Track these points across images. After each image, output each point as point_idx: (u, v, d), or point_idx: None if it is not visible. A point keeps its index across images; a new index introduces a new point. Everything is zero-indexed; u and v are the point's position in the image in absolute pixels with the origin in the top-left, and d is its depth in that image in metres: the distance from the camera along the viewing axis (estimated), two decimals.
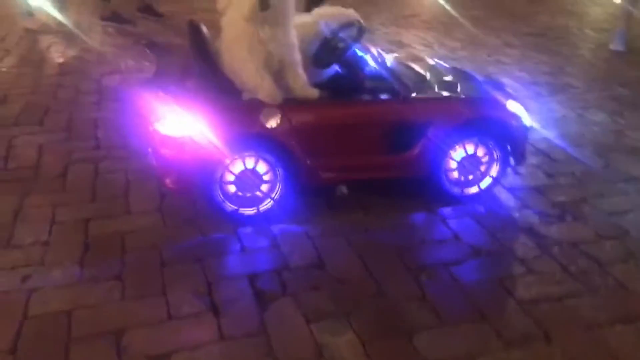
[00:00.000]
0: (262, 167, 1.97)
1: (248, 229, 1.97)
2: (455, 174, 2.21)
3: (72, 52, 3.98)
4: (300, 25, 2.04)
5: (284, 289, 1.69)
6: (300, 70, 1.96)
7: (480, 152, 2.21)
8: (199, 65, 1.97)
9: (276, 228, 1.99)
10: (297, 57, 1.95)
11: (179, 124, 1.84)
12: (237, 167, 1.95)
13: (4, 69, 3.61)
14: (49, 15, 4.59)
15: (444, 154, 2.14)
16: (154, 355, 1.42)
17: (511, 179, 2.41)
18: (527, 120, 2.26)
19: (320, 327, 1.54)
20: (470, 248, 1.95)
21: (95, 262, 1.76)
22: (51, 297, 1.61)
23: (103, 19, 4.83)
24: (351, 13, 2.14)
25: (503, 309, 1.67)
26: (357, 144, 2.05)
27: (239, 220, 2.00)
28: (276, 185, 2.00)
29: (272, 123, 1.89)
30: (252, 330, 1.52)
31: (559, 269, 1.86)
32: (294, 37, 1.94)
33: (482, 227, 2.08)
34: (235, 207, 1.99)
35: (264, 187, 2.00)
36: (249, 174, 1.96)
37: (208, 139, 1.83)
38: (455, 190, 2.23)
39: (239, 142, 1.89)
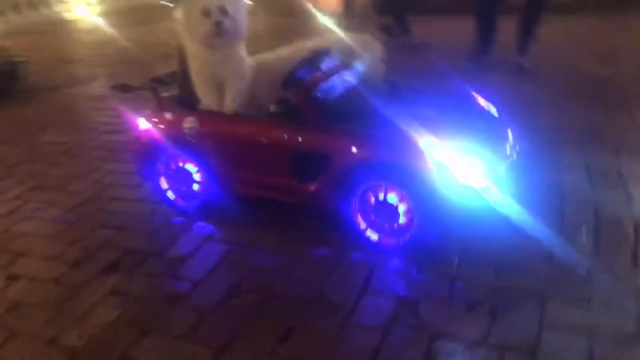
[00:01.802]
0: (192, 167, 2.30)
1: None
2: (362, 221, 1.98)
3: None
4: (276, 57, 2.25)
5: None
6: (233, 90, 2.15)
7: (395, 201, 1.91)
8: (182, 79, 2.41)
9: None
10: (237, 78, 2.14)
11: (142, 123, 2.36)
12: (169, 165, 2.32)
13: None
14: None
15: (350, 194, 1.97)
16: None
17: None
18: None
19: None
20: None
21: None
22: None
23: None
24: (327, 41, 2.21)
25: None
26: (262, 162, 2.11)
27: (178, 209, 2.37)
28: (205, 185, 2.29)
29: (188, 128, 2.19)
30: None
31: None
32: (239, 61, 2.14)
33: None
34: (175, 197, 2.38)
35: (195, 186, 2.32)
36: (183, 171, 2.32)
37: (153, 137, 2.30)
38: (372, 236, 2.00)
39: (172, 142, 2.26)
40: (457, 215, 1.83)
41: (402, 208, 1.90)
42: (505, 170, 1.94)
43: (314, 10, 6.58)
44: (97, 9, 10.51)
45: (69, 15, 10.13)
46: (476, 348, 1.50)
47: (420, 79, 2.43)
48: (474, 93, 2.31)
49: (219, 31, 1.98)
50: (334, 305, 1.71)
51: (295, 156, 2.01)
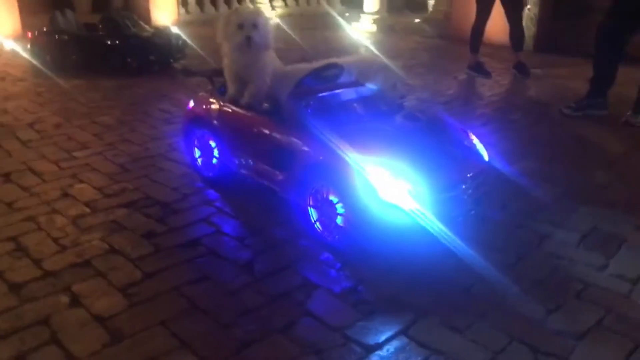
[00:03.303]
0: (212, 142, 2.79)
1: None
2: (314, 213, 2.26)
3: None
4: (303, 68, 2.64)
5: None
6: (253, 88, 2.55)
7: (336, 201, 2.16)
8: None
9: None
10: (258, 80, 2.53)
11: (191, 102, 2.92)
12: (202, 139, 2.85)
13: None
14: None
15: (305, 188, 2.26)
16: None
17: None
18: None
19: None
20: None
21: None
22: None
23: (469, 67, 5.62)
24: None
25: None
26: (252, 148, 2.51)
27: (199, 170, 2.88)
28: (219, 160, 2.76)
29: (213, 112, 2.69)
30: None
31: None
32: (260, 67, 2.51)
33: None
34: (202, 165, 2.89)
35: (214, 160, 2.81)
36: (206, 144, 2.83)
37: (194, 114, 2.85)
38: (319, 228, 2.27)
39: (203, 121, 2.79)
40: (379, 229, 2.01)
41: (340, 210, 2.13)
42: (447, 199, 2.05)
43: None
44: (279, 11, 11.79)
45: None
46: (333, 333, 1.71)
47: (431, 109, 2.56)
48: (468, 132, 2.41)
49: (250, 43, 2.41)
50: (256, 272, 2.03)
51: (273, 148, 2.36)
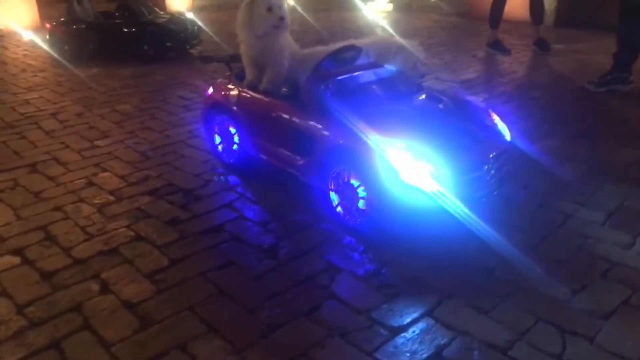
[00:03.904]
0: (233, 129, 2.80)
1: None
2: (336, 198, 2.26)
3: None
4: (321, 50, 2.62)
5: None
6: (270, 73, 2.54)
7: (357, 185, 2.16)
8: None
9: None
10: (276, 63, 2.54)
11: (210, 89, 2.93)
12: (222, 125, 2.86)
13: None
14: None
15: (326, 172, 2.27)
16: None
17: None
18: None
19: None
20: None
21: None
22: None
23: (488, 44, 5.52)
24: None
25: None
26: (273, 133, 2.50)
27: (222, 161, 2.91)
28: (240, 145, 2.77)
29: (232, 98, 2.69)
30: None
31: None
32: (277, 49, 2.51)
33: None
34: (223, 151, 2.91)
35: (235, 146, 2.82)
36: (226, 130, 2.84)
37: (213, 101, 2.86)
38: (340, 212, 2.28)
39: (222, 107, 2.79)
40: (401, 212, 2.01)
41: (362, 193, 2.14)
42: (470, 181, 2.04)
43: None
44: None
45: None
46: (358, 315, 1.73)
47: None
48: (490, 112, 2.38)
49: (282, 24, 2.41)
50: (280, 256, 2.05)
51: (293, 133, 2.36)
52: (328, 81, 2.29)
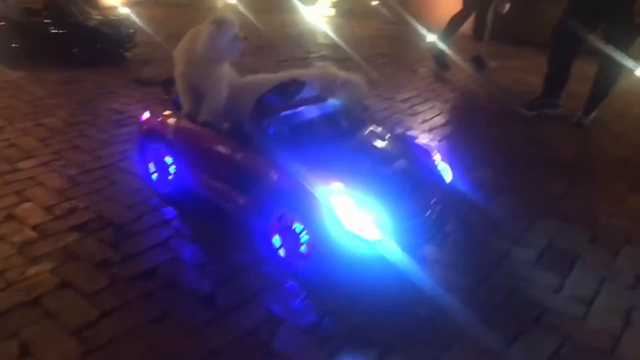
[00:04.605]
0: (169, 159, 2.67)
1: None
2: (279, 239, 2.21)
3: None
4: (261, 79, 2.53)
5: None
6: (208, 103, 2.44)
7: (300, 229, 2.12)
8: None
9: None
10: (214, 93, 2.44)
11: (145, 113, 2.78)
12: (157, 153, 2.72)
13: None
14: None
15: (268, 213, 2.20)
16: None
17: None
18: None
19: None
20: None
21: None
22: None
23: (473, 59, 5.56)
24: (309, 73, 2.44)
25: None
26: (213, 168, 2.40)
27: (157, 192, 2.76)
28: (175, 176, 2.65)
29: (168, 126, 2.57)
30: None
31: None
32: (216, 80, 2.40)
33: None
34: (158, 181, 2.78)
35: (170, 176, 2.69)
36: (161, 159, 2.70)
37: (148, 127, 2.72)
38: (281, 254, 2.22)
39: (157, 135, 2.65)
40: (343, 259, 1.98)
41: (304, 238, 2.09)
42: (412, 227, 2.04)
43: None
44: None
45: None
46: None
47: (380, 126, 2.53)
48: (431, 153, 2.40)
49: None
50: (218, 306, 1.97)
51: (235, 169, 2.28)
52: (271, 118, 2.22)
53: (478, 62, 5.54)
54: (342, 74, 2.54)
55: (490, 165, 3.30)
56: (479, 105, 4.59)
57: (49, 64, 5.00)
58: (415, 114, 4.21)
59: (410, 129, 3.89)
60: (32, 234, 2.38)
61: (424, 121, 4.08)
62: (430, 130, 3.88)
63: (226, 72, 2.49)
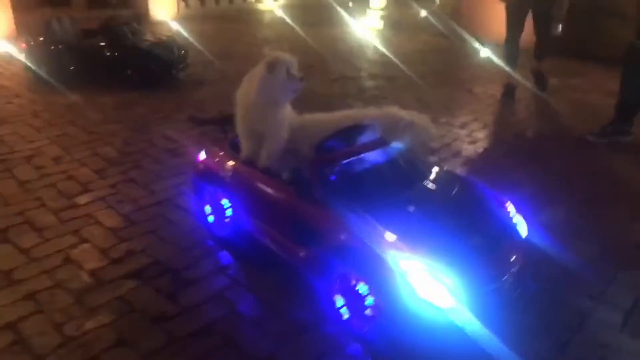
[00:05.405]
0: (226, 202, 2.59)
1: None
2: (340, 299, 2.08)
3: None
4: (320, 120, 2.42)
5: None
6: (270, 147, 2.34)
7: (365, 291, 1.99)
8: None
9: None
10: (274, 136, 2.32)
11: (202, 154, 2.70)
12: (213, 195, 2.64)
13: None
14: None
15: (329, 271, 2.08)
16: None
17: None
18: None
19: None
20: None
21: None
22: None
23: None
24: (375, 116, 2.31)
25: None
26: (272, 217, 2.30)
27: (213, 234, 2.68)
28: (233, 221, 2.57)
29: (226, 170, 2.49)
30: None
31: None
32: (277, 122, 2.31)
33: None
34: (214, 223, 2.70)
35: (229, 212, 2.60)
36: (218, 202, 2.63)
37: (205, 168, 2.65)
38: (344, 315, 2.10)
39: (214, 177, 2.57)
40: (414, 326, 1.84)
41: (370, 300, 1.96)
42: (489, 292, 1.88)
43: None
44: (281, 1, 11.40)
45: (260, 6, 11.12)
46: None
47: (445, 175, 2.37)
48: (506, 204, 2.22)
49: (301, 87, 2.24)
50: None
51: (294, 219, 2.17)
52: (333, 166, 2.11)
53: (540, 81, 5.26)
54: (406, 115, 2.40)
55: (560, 205, 3.08)
56: (542, 132, 4.34)
57: (103, 86, 5.07)
58: (474, 142, 4.01)
59: (470, 159, 3.70)
60: (89, 281, 2.34)
61: (485, 150, 3.87)
62: (492, 162, 3.68)
63: (287, 113, 2.38)
